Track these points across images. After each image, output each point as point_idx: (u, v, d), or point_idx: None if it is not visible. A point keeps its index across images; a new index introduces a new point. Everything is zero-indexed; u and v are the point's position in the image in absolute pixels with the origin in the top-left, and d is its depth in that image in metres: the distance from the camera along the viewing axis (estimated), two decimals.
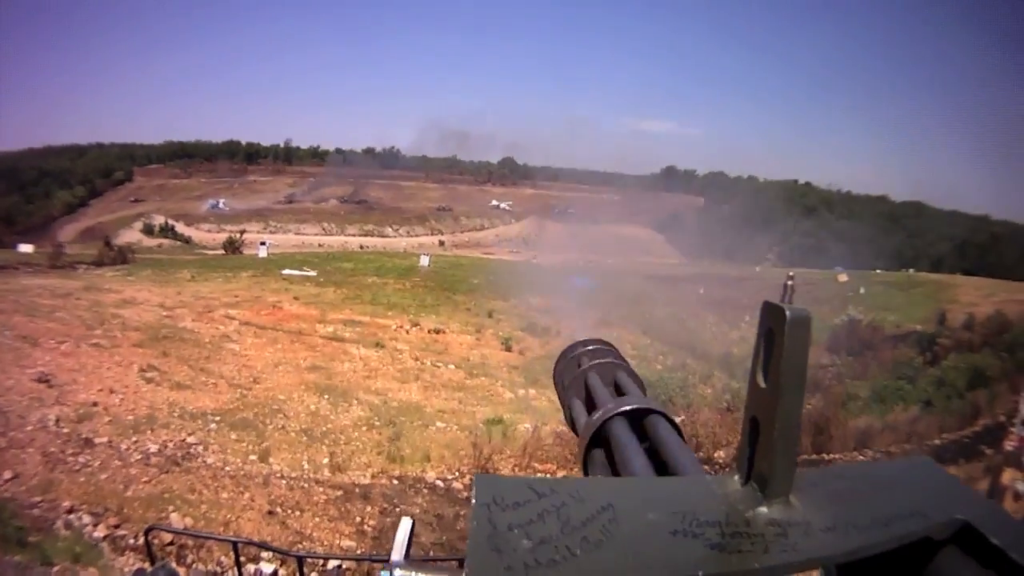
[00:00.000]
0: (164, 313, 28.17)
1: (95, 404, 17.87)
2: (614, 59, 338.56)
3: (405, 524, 0.95)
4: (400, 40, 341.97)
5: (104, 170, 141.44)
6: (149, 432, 16.93)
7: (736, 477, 0.78)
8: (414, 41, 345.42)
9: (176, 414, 18.33)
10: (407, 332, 30.76)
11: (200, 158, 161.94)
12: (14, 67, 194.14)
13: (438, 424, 20.43)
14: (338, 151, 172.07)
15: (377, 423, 19.88)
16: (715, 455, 17.62)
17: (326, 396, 21.37)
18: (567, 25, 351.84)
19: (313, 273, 45.15)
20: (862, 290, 52.50)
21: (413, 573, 0.80)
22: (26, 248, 51.33)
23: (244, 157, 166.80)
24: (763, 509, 0.74)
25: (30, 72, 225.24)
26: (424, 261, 56.02)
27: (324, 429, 19.02)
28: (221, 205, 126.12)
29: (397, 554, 0.89)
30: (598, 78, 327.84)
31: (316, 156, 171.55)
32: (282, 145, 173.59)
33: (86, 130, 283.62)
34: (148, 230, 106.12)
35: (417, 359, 26.89)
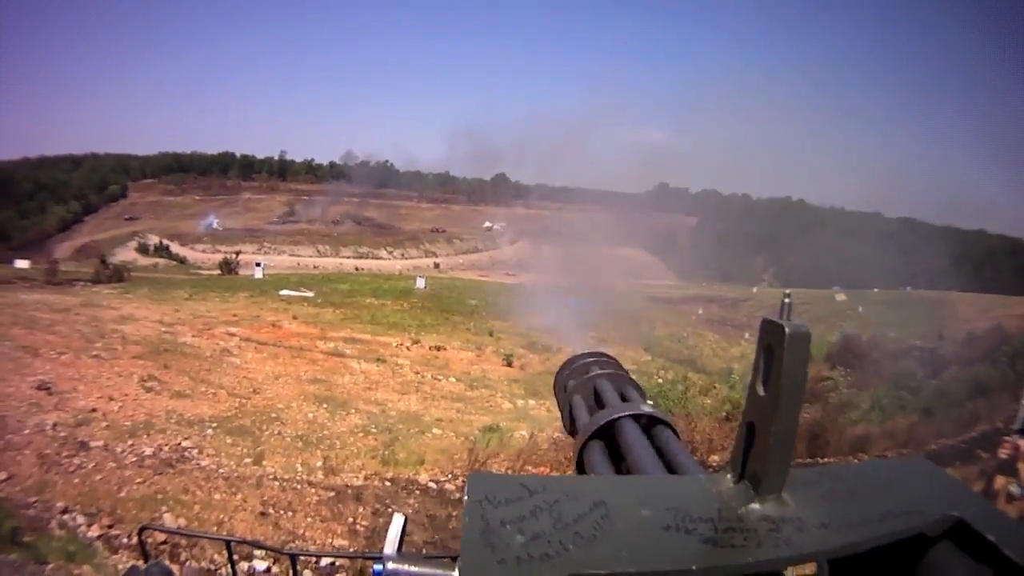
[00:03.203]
0: (163, 329, 28.14)
1: (94, 410, 17.86)
2: (604, 69, 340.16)
3: (398, 520, 0.96)
4: (390, 53, 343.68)
5: (99, 183, 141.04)
6: (145, 436, 16.90)
7: (729, 476, 0.81)
8: (403, 54, 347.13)
9: (174, 420, 18.30)
10: (408, 349, 30.79)
11: (194, 171, 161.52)
12: (10, 76, 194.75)
13: (435, 431, 20.40)
14: (333, 165, 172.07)
15: (374, 430, 19.84)
16: (710, 459, 17.59)
17: (324, 405, 21.37)
18: (559, 36, 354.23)
19: (310, 294, 45.17)
20: (860, 309, 52.70)
21: (406, 567, 0.81)
22: (22, 264, 51.27)
23: (238, 170, 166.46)
24: (756, 506, 0.76)
25: (26, 81, 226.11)
26: (420, 283, 56.30)
27: (320, 435, 19.00)
28: (215, 225, 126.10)
29: (390, 548, 0.90)
30: (587, 88, 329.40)
31: (310, 171, 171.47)
32: (276, 158, 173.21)
33: (81, 139, 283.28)
34: (143, 249, 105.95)
35: (418, 373, 26.91)
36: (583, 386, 1.46)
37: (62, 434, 16.14)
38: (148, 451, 16.12)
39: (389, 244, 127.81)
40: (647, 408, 1.19)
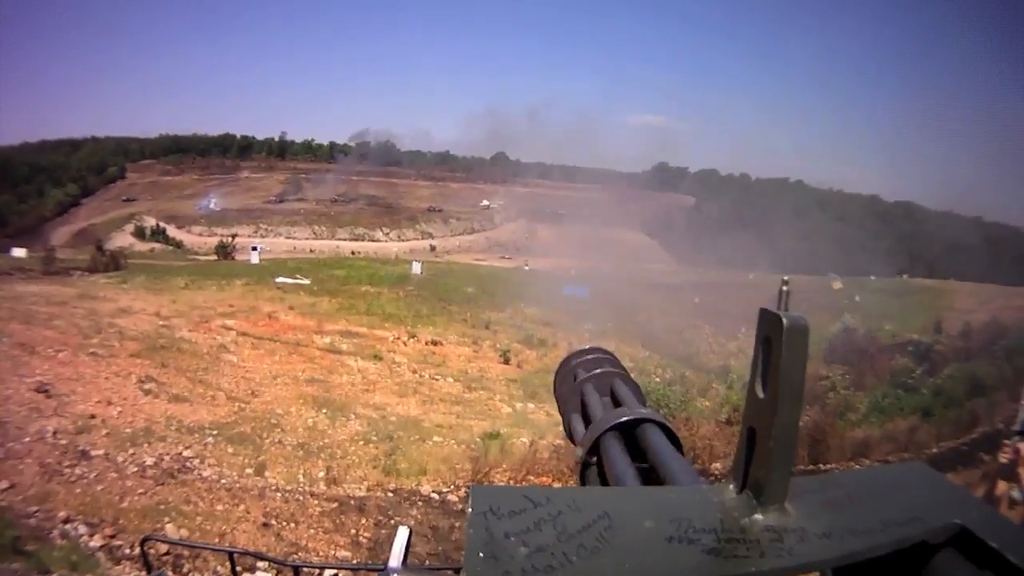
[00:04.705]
0: (160, 322, 28.10)
1: (93, 416, 17.81)
2: (605, 51, 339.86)
3: (403, 532, 0.96)
4: (393, 32, 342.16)
5: (98, 166, 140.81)
6: (146, 445, 16.90)
7: (731, 486, 0.80)
8: (405, 34, 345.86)
9: (174, 427, 18.30)
10: (404, 344, 30.91)
11: (194, 152, 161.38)
12: (11, 61, 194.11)
13: (435, 438, 20.48)
14: (333, 145, 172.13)
15: (375, 438, 19.90)
16: (712, 467, 17.66)
17: (324, 410, 21.41)
18: (555, 19, 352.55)
19: (306, 281, 45.10)
20: (857, 298, 52.73)
21: None
22: (19, 253, 51.13)
23: (238, 151, 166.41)
24: (758, 516, 0.75)
25: (27, 65, 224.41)
26: (416, 268, 56.40)
27: (321, 443, 19.05)
28: (212, 205, 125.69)
29: (395, 561, 0.89)
30: (588, 71, 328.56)
31: (310, 151, 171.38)
32: (276, 139, 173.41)
33: (81, 123, 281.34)
34: (140, 233, 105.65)
35: (415, 372, 27.04)
36: (573, 397, 1.46)
37: (63, 442, 16.13)
38: (149, 460, 16.15)
39: (386, 225, 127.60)
40: (626, 414, 1.18)
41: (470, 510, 0.72)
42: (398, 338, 31.38)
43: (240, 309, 33.01)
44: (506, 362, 30.07)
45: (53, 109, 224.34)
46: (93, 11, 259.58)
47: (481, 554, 0.66)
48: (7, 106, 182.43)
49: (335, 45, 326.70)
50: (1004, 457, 16.50)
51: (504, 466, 18.24)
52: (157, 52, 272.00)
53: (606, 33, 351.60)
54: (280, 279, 44.48)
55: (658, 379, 27.57)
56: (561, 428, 1.47)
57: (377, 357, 27.87)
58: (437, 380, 26.45)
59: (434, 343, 31.44)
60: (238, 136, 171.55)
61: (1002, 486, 15.26)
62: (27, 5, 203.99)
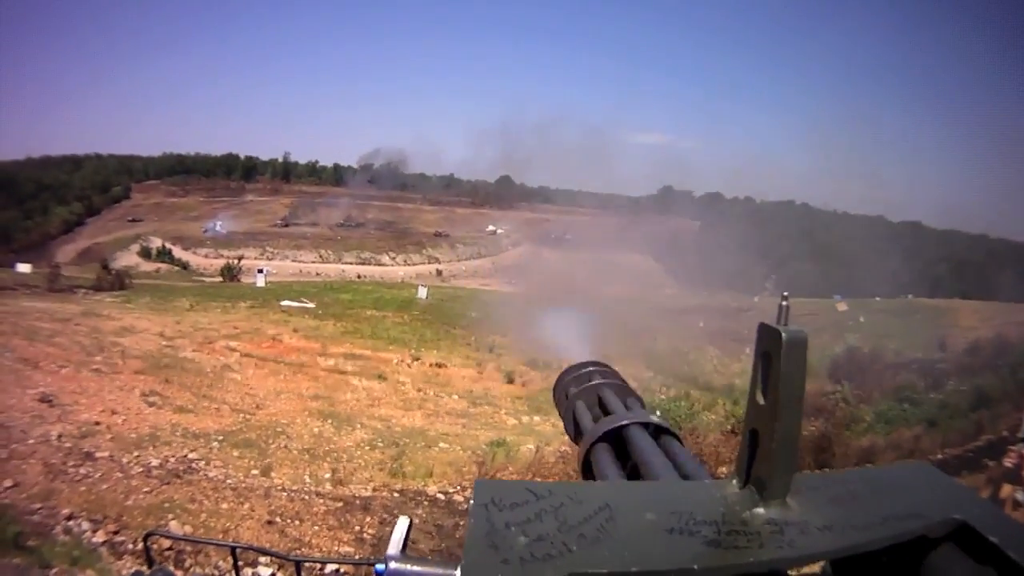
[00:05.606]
0: (164, 343, 27.95)
1: (97, 423, 17.77)
2: (607, 70, 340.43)
3: (402, 522, 0.98)
4: (397, 55, 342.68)
5: (102, 184, 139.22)
6: (151, 448, 16.85)
7: (734, 481, 0.83)
8: (409, 57, 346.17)
9: (179, 433, 18.24)
10: (409, 366, 30.71)
11: (198, 173, 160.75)
12: (13, 76, 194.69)
13: (441, 445, 20.35)
14: (336, 167, 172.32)
15: (380, 444, 19.80)
16: (719, 471, 17.50)
17: (329, 420, 21.31)
18: (562, 33, 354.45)
19: (311, 305, 44.79)
20: (862, 319, 52.39)
21: (408, 567, 0.84)
22: (24, 268, 50.87)
23: (242, 172, 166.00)
24: (760, 510, 0.79)
25: (29, 81, 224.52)
26: (422, 293, 55.97)
27: (327, 449, 18.95)
28: (218, 228, 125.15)
29: (394, 549, 0.92)
30: (595, 86, 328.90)
31: (314, 173, 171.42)
32: (280, 160, 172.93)
33: (84, 140, 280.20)
34: (145, 253, 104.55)
35: (420, 390, 26.90)
36: (585, 393, 1.48)
37: (67, 445, 16.10)
38: (155, 462, 16.10)
39: (391, 249, 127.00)
40: (654, 418, 1.22)
41: (472, 502, 0.76)
42: (402, 360, 31.19)
43: (244, 331, 32.81)
44: (510, 382, 29.90)
45: (55, 125, 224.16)
46: (95, 24, 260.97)
47: (481, 543, 0.70)
48: (9, 121, 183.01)
49: (339, 61, 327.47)
50: (1009, 461, 16.45)
51: (510, 469, 18.09)
52: (159, 67, 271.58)
53: (614, 48, 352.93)
54: (285, 302, 44.28)
55: (663, 396, 27.34)
56: (567, 436, 1.52)
57: (381, 377, 27.74)
58: (442, 397, 26.31)
59: (438, 365, 31.27)
60: (242, 157, 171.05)
61: (1006, 489, 15.21)
62: (29, 20, 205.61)
